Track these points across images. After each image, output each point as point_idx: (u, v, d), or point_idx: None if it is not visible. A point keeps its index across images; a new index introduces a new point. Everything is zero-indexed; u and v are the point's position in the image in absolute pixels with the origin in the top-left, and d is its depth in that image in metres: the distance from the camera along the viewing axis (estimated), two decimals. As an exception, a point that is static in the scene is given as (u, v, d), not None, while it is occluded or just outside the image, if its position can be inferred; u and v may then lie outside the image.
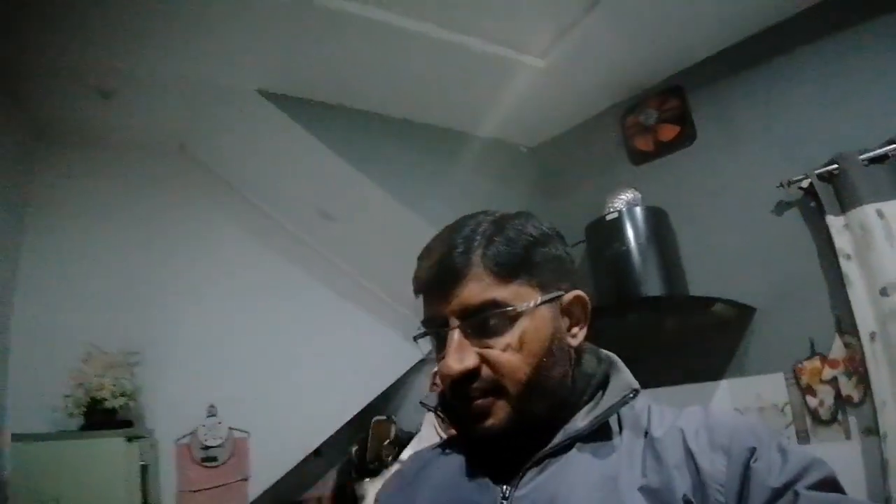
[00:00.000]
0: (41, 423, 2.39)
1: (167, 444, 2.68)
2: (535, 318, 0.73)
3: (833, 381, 2.09)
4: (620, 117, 2.80)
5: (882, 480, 1.87)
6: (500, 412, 0.72)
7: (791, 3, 2.25)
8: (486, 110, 2.82)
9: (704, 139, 2.53)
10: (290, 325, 3.02)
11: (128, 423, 2.47)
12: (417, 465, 0.87)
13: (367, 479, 2.91)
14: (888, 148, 2.00)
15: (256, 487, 2.78)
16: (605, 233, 2.47)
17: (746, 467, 0.64)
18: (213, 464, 2.70)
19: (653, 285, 2.35)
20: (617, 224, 2.44)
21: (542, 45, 2.44)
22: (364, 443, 3.03)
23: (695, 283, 2.44)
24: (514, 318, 0.72)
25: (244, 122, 2.65)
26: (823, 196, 2.12)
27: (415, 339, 0.81)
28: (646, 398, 0.77)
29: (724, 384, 2.34)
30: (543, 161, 3.18)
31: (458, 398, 0.74)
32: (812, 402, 2.12)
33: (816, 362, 2.14)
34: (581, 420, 0.74)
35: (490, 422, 0.72)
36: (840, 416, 2.07)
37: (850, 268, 2.04)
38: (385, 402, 3.21)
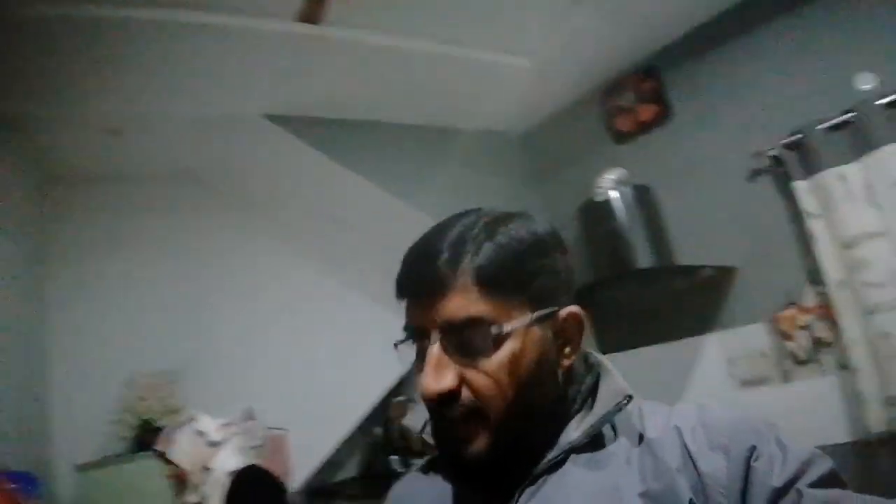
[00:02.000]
0: (85, 451, 2.54)
1: (211, 450, 2.85)
2: (524, 339, 0.67)
3: (808, 327, 2.37)
4: (602, 100, 2.95)
5: (856, 410, 2.18)
6: (481, 438, 0.67)
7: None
8: (477, 107, 2.97)
9: (680, 116, 2.72)
10: (313, 326, 3.17)
11: (178, 438, 2.63)
12: (405, 491, 0.84)
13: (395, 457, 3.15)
14: (846, 116, 2.21)
15: (297, 479, 2.98)
16: (597, 212, 2.67)
17: (747, 467, 0.62)
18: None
19: (643, 257, 2.56)
20: (606, 204, 2.63)
21: (528, 47, 2.58)
22: (387, 423, 3.27)
23: (681, 250, 2.66)
24: (501, 338, 0.66)
25: (252, 145, 2.76)
26: (790, 163, 2.35)
27: (395, 345, 0.73)
28: (635, 399, 0.72)
29: (713, 337, 2.61)
30: (532, 146, 3.33)
31: (437, 419, 0.69)
32: (791, 346, 2.40)
33: (793, 311, 2.40)
34: (574, 430, 0.70)
35: (471, 448, 0.67)
36: (816, 357, 2.35)
37: (816, 226, 2.28)
38: (403, 385, 3.41)
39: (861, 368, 2.17)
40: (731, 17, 2.54)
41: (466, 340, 0.66)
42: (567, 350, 0.72)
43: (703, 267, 2.52)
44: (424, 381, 0.66)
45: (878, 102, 2.16)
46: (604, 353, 0.76)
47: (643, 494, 0.63)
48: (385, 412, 3.27)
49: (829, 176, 2.25)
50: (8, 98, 2.17)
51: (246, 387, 2.91)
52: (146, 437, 2.56)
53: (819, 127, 2.28)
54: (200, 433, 2.09)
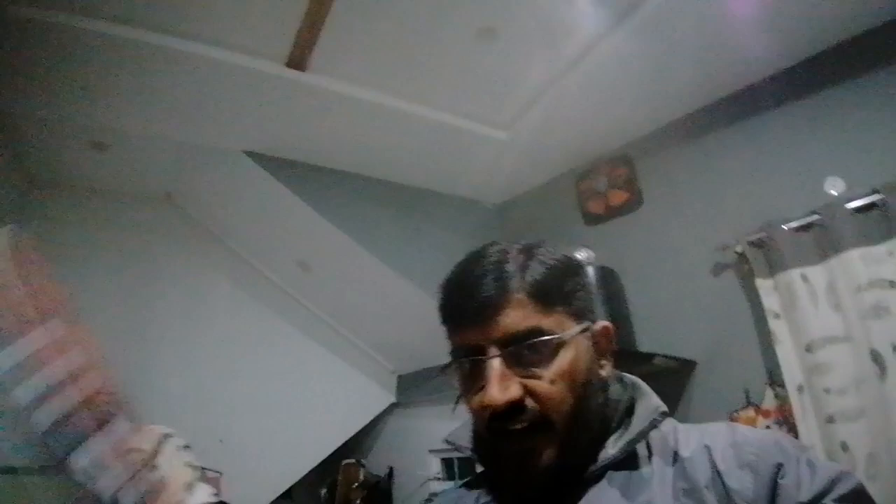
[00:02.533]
0: (16, 458, 2.48)
1: (141, 481, 2.75)
2: (576, 348, 0.72)
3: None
4: (576, 181, 3.02)
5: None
6: (548, 450, 0.69)
7: (725, 85, 2.50)
8: (455, 172, 3.05)
9: (650, 205, 2.76)
10: (265, 368, 3.13)
11: (105, 462, 2.55)
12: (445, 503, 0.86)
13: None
14: (811, 218, 2.19)
15: (228, 531, 2.84)
16: None
17: (774, 484, 0.64)
18: (186, 502, 2.77)
19: (600, 339, 2.51)
20: None
21: (505, 119, 2.69)
22: (333, 486, 3.14)
23: (641, 337, 2.61)
24: (557, 347, 0.70)
25: (230, 178, 2.86)
26: (754, 260, 2.32)
27: (442, 370, 0.77)
28: (671, 420, 0.77)
29: (668, 431, 2.49)
30: (508, 218, 3.38)
31: (498, 434, 0.70)
32: (748, 450, 2.28)
33: (751, 412, 2.29)
34: (612, 447, 0.73)
35: (539, 462, 0.69)
36: (773, 464, 2.23)
37: (778, 326, 2.21)
38: (355, 445, 3.31)
39: (816, 480, 2.04)
40: (704, 115, 2.61)
41: (526, 351, 0.69)
42: (602, 361, 0.78)
43: (661, 356, 2.44)
44: (491, 393, 0.68)
45: (845, 206, 2.14)
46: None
47: None
48: (332, 473, 3.15)
49: (793, 276, 2.20)
50: (8, 103, 2.31)
51: (182, 419, 2.82)
52: (71, 455, 2.49)
53: (785, 226, 2.26)
54: (184, 448, 1.98)
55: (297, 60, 2.27)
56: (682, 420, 2.25)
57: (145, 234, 3.11)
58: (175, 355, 3.00)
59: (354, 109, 2.50)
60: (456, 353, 0.75)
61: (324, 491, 3.15)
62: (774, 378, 2.26)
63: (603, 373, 0.77)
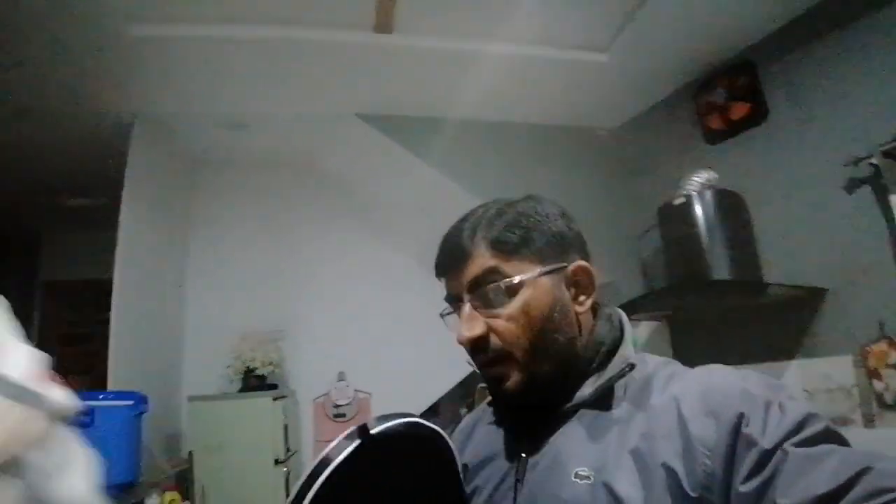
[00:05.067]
0: (209, 387, 3.12)
1: (306, 402, 3.32)
2: (535, 289, 0.79)
3: (900, 366, 2.04)
4: (694, 95, 2.76)
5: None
6: (512, 376, 0.79)
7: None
8: (558, 102, 2.98)
9: (776, 116, 2.45)
10: (403, 302, 3.39)
11: (274, 386, 3.11)
12: (473, 420, 1.01)
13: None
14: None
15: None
16: (675, 216, 2.49)
17: (736, 432, 0.65)
18: (343, 419, 3.29)
19: (720, 269, 2.34)
20: (685, 208, 2.44)
21: (602, 41, 2.54)
22: (470, 406, 3.42)
23: (767, 263, 2.41)
24: (515, 289, 0.78)
25: (348, 138, 3.11)
26: (889, 174, 2.03)
27: (441, 315, 0.87)
28: (657, 361, 0.82)
29: (794, 365, 2.33)
30: (624, 142, 3.21)
31: (477, 364, 0.82)
32: (878, 385, 2.07)
33: (884, 346, 2.07)
34: (588, 388, 0.79)
35: (506, 385, 0.79)
36: (906, 402, 2.01)
37: (917, 249, 1.96)
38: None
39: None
40: (833, 9, 2.24)
41: (487, 294, 0.79)
42: (581, 298, 0.84)
43: (779, 285, 2.26)
44: (459, 331, 0.81)
45: None
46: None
47: (633, 451, 0.72)
48: (469, 396, 3.43)
49: (935, 191, 1.90)
50: (162, 101, 2.78)
51: (338, 353, 3.31)
52: (249, 382, 3.06)
53: (927, 132, 1.93)
54: None
55: (383, 25, 2.37)
56: (810, 353, 2.12)
57: (291, 194, 3.57)
58: (326, 294, 3.46)
59: (444, 60, 2.55)
60: (446, 300, 0.85)
61: (463, 410, 3.44)
62: (914, 308, 2.00)
63: (580, 308, 0.83)
